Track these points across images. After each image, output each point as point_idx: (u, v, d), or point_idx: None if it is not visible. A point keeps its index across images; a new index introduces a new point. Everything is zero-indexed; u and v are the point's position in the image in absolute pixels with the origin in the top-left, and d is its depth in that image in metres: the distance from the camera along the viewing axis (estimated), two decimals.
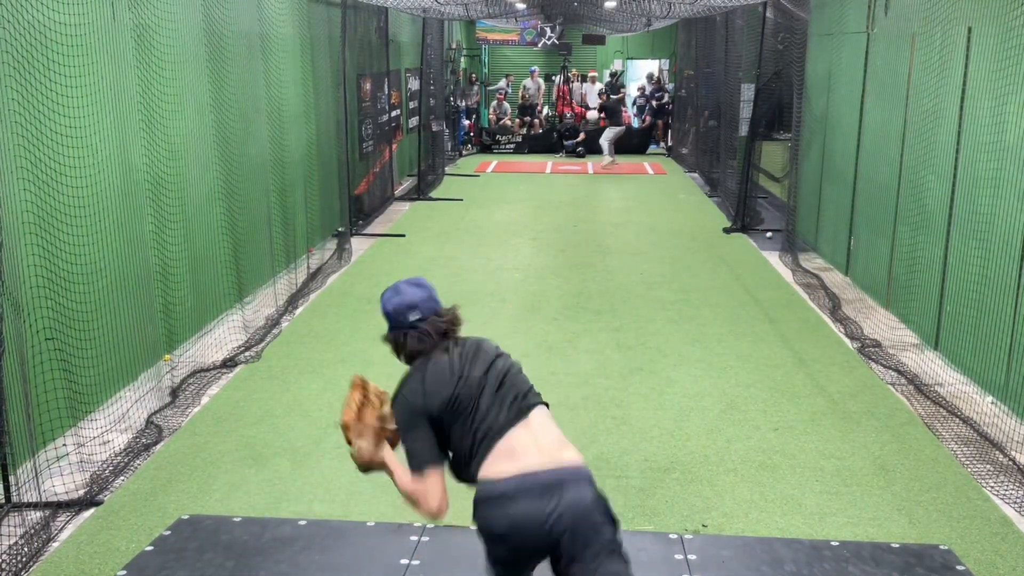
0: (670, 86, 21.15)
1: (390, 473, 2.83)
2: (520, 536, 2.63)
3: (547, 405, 2.84)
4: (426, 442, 2.73)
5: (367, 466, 2.88)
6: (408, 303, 2.83)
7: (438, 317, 2.85)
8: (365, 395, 2.87)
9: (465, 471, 2.76)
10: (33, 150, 4.80)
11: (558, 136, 19.35)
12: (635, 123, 21.11)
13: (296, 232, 9.21)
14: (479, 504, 2.68)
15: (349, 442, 2.87)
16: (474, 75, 21.07)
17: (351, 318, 7.64)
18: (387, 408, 2.86)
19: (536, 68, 20.54)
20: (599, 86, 21.22)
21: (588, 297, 8.34)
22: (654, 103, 20.51)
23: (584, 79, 21.57)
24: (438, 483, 2.72)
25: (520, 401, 2.76)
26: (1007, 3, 5.68)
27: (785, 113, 11.83)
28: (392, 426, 2.85)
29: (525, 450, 2.68)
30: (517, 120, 20.67)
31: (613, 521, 2.69)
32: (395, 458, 2.85)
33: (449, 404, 2.72)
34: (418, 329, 2.81)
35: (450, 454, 2.79)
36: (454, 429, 2.73)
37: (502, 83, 21.75)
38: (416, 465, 2.73)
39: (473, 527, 2.74)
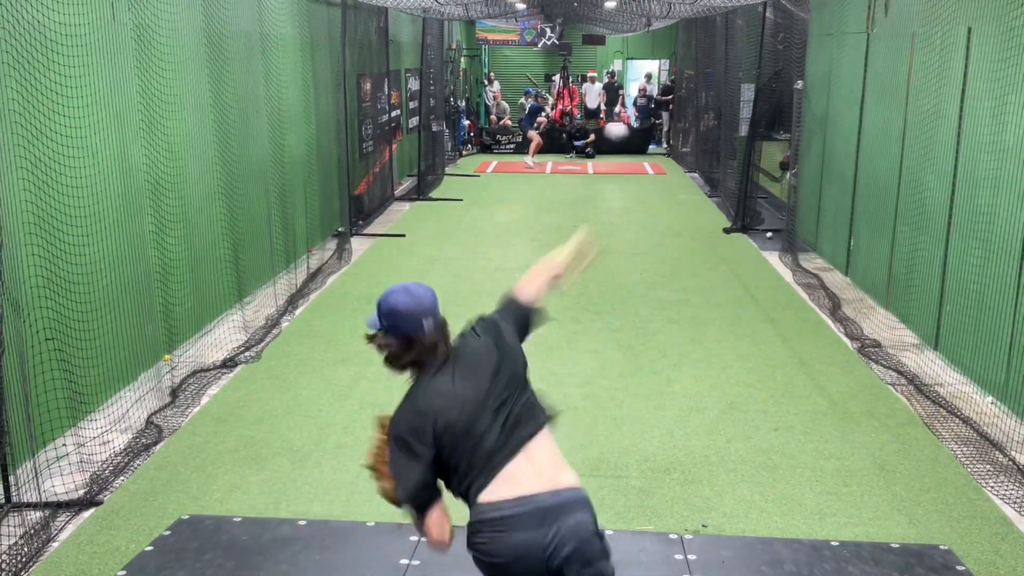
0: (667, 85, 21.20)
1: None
2: (520, 563, 2.55)
3: (550, 419, 2.73)
4: (421, 480, 2.59)
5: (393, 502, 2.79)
6: (423, 309, 2.64)
7: (443, 323, 2.70)
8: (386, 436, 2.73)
9: (462, 494, 2.65)
10: (33, 150, 4.80)
11: (568, 137, 19.31)
12: (633, 123, 21.15)
13: (296, 232, 9.20)
14: (477, 528, 2.58)
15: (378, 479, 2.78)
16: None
17: (351, 318, 7.64)
18: None
19: (531, 90, 20.70)
20: (598, 86, 21.24)
21: (588, 297, 8.34)
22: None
23: (584, 79, 21.61)
24: (438, 518, 2.61)
25: (522, 428, 2.65)
26: (1007, 3, 5.68)
27: (785, 113, 11.84)
28: None
29: (525, 476, 2.59)
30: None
31: (607, 551, 2.63)
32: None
33: (446, 433, 2.58)
34: (426, 340, 2.63)
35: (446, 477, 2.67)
36: (452, 455, 2.60)
37: (494, 90, 21.84)
38: (417, 505, 2.61)
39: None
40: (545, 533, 2.52)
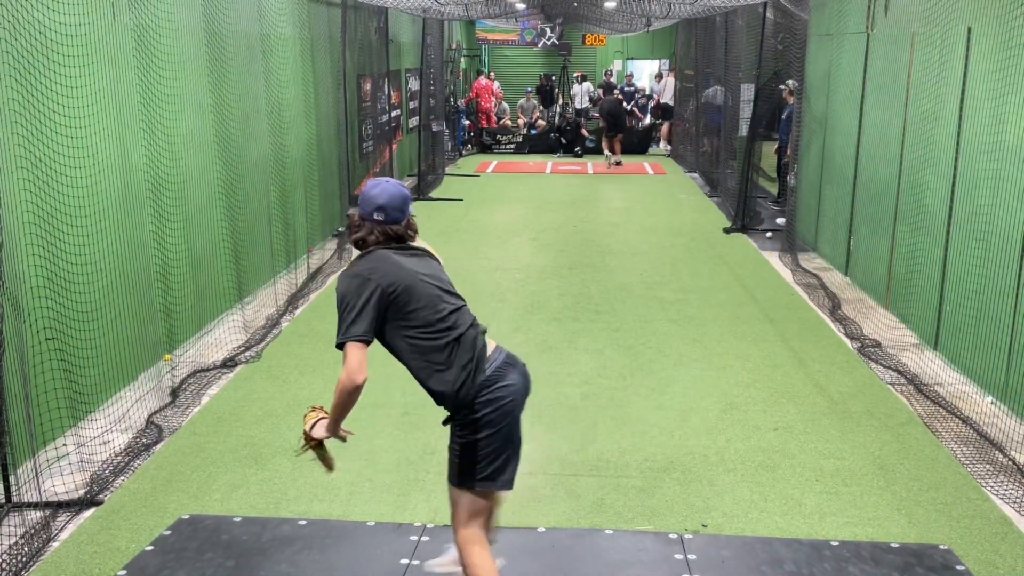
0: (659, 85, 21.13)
1: (334, 420, 3.34)
2: (520, 398, 3.21)
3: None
4: (367, 320, 3.07)
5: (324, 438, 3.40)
6: (378, 203, 3.14)
7: (397, 225, 3.17)
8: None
9: (447, 370, 3.11)
10: (33, 150, 4.80)
11: (558, 134, 19.35)
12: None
13: (296, 232, 9.21)
14: (486, 389, 3.11)
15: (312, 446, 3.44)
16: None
17: None
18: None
19: (531, 89, 20.98)
20: (587, 85, 21.15)
21: (588, 297, 8.34)
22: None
23: (584, 79, 21.57)
24: (362, 354, 3.08)
25: (467, 311, 3.26)
26: (1007, 3, 5.68)
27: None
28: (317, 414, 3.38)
29: (489, 344, 3.23)
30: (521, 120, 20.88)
31: None
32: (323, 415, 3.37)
33: (406, 292, 3.06)
34: (376, 227, 3.15)
35: (412, 355, 3.16)
36: (415, 320, 3.08)
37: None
38: (350, 336, 3.07)
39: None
40: (519, 375, 3.23)
